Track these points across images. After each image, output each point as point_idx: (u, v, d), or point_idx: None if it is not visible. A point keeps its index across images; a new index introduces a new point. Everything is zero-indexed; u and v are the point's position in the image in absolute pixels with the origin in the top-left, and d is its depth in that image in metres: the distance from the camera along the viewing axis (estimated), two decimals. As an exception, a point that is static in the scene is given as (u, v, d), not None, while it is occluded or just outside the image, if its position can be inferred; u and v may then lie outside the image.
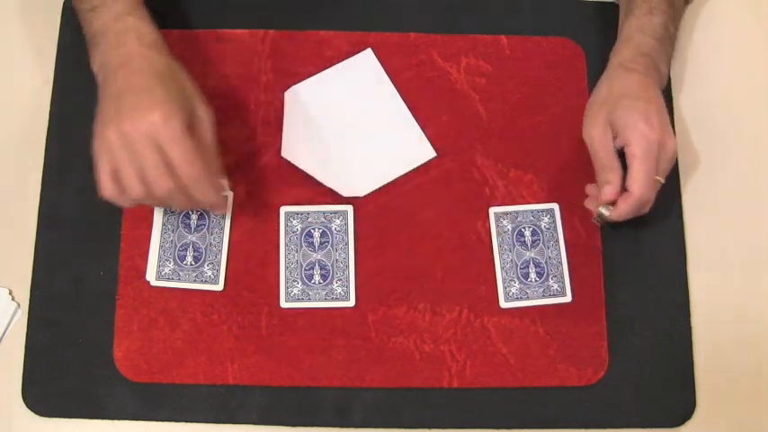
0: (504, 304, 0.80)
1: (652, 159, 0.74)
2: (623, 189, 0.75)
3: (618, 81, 0.77)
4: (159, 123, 0.69)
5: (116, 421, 0.77)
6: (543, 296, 0.80)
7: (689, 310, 0.81)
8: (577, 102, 0.86)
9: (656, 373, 0.79)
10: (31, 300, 0.79)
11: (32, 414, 0.76)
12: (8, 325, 0.79)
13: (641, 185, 0.73)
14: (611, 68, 0.79)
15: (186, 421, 0.77)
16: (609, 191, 0.75)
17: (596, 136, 0.76)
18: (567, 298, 0.80)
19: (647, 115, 0.74)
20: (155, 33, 0.76)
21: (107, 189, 0.71)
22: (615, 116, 0.75)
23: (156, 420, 0.77)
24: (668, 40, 0.80)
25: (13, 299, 0.79)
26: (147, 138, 0.69)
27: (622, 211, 0.75)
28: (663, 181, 0.76)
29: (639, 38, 0.79)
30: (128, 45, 0.74)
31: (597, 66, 0.87)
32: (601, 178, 0.76)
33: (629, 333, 0.80)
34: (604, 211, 0.76)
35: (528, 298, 0.80)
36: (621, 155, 0.75)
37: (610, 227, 0.81)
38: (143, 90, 0.71)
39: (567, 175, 0.84)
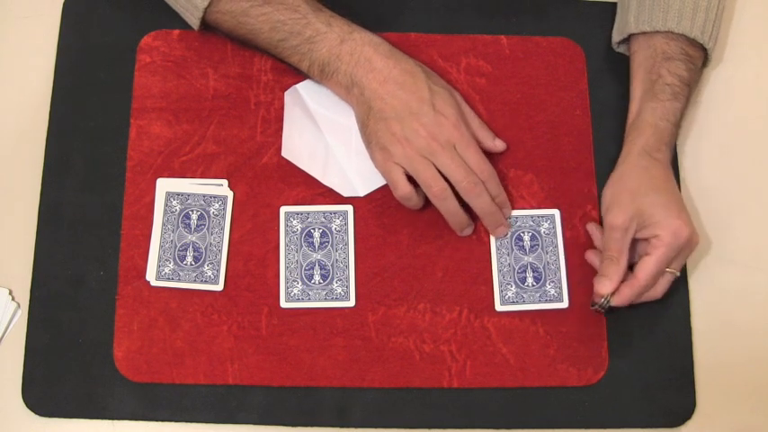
0: (499, 308, 0.80)
1: (671, 254, 0.75)
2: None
3: (646, 173, 0.77)
4: (455, 135, 0.76)
5: (116, 421, 0.77)
6: (540, 301, 0.80)
7: (689, 310, 0.81)
8: (577, 102, 0.86)
9: (656, 373, 0.79)
10: (31, 300, 0.79)
11: (32, 414, 0.76)
12: (8, 325, 0.79)
13: (647, 274, 0.74)
14: (636, 155, 0.78)
15: (186, 421, 0.77)
16: (606, 285, 0.75)
17: (619, 227, 0.75)
18: (564, 304, 0.80)
19: (680, 213, 0.75)
20: (381, 39, 0.79)
21: (404, 189, 0.77)
22: (649, 213, 0.75)
23: (156, 420, 0.77)
24: (681, 122, 0.81)
25: (13, 299, 0.79)
26: (447, 144, 0.76)
27: (625, 296, 0.76)
28: (678, 274, 0.77)
29: (664, 125, 0.79)
30: (373, 61, 0.77)
31: (597, 66, 0.87)
32: (603, 268, 0.76)
33: (629, 333, 0.80)
34: (604, 301, 0.76)
35: (524, 302, 0.80)
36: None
37: None
38: (421, 102, 0.76)
39: (568, 176, 0.84)
